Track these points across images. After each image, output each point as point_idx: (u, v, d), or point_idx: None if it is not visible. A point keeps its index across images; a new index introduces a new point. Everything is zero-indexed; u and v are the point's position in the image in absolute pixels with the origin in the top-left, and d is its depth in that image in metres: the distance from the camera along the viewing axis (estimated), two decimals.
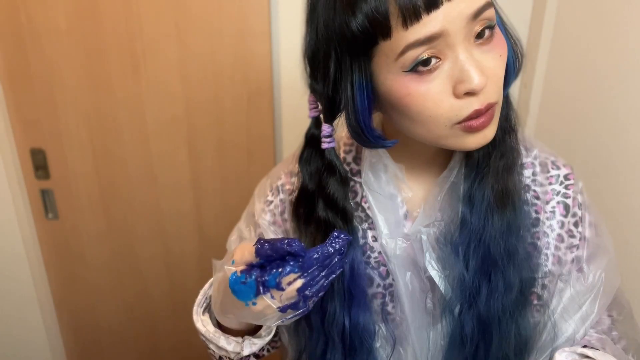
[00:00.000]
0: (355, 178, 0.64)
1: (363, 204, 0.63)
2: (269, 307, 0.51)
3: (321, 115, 0.57)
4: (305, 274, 0.50)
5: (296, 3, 1.43)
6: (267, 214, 0.69)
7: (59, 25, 1.32)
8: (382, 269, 0.63)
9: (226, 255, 0.60)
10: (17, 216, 1.48)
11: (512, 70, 0.53)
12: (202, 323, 0.64)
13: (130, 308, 1.69)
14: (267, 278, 0.49)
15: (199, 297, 0.67)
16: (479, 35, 0.47)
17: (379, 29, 0.45)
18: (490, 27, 0.47)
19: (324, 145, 0.57)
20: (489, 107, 0.48)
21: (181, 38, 1.34)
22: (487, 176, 0.57)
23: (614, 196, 1.03)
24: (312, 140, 0.59)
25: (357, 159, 0.65)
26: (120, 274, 1.63)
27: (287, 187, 0.68)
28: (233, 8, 1.32)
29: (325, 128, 0.56)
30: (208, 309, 0.67)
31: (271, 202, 0.69)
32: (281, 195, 0.69)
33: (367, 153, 0.62)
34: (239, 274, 0.51)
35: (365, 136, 0.52)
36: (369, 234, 0.63)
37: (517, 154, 0.59)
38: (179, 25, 1.33)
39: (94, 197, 1.52)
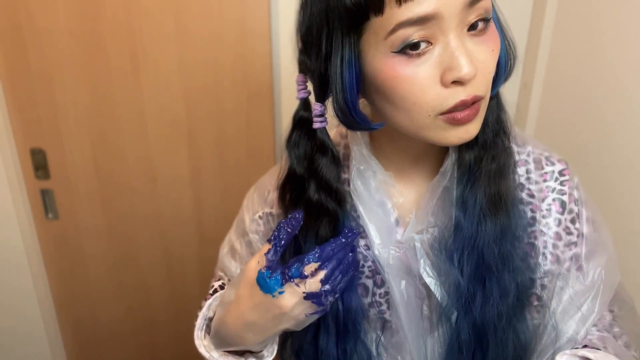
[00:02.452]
0: (344, 187, 0.61)
1: (353, 213, 0.61)
2: (295, 294, 0.52)
3: (310, 97, 0.56)
4: (325, 265, 0.53)
5: (296, 3, 1.43)
6: (256, 226, 0.70)
7: (59, 25, 1.32)
8: (377, 277, 0.62)
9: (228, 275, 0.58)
10: (17, 216, 1.48)
11: (502, 71, 0.52)
12: (205, 349, 0.63)
13: (130, 307, 1.69)
14: (290, 271, 0.53)
15: (198, 320, 0.65)
16: (473, 27, 0.46)
17: (372, 3, 0.44)
18: (485, 20, 0.47)
19: (316, 125, 0.55)
20: (475, 100, 0.47)
21: (181, 38, 1.34)
22: (479, 180, 0.56)
23: (614, 195, 1.03)
24: (300, 122, 0.57)
25: (345, 168, 0.63)
26: (120, 273, 1.63)
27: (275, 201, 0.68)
28: (233, 8, 1.32)
29: (317, 107, 0.54)
30: (208, 330, 0.65)
31: (260, 217, 0.70)
32: (267, 209, 0.69)
33: (355, 161, 0.60)
34: (263, 270, 0.53)
35: (351, 116, 0.51)
36: (362, 243, 0.62)
37: (510, 157, 0.58)
38: (179, 25, 1.33)
39: (94, 197, 1.52)
